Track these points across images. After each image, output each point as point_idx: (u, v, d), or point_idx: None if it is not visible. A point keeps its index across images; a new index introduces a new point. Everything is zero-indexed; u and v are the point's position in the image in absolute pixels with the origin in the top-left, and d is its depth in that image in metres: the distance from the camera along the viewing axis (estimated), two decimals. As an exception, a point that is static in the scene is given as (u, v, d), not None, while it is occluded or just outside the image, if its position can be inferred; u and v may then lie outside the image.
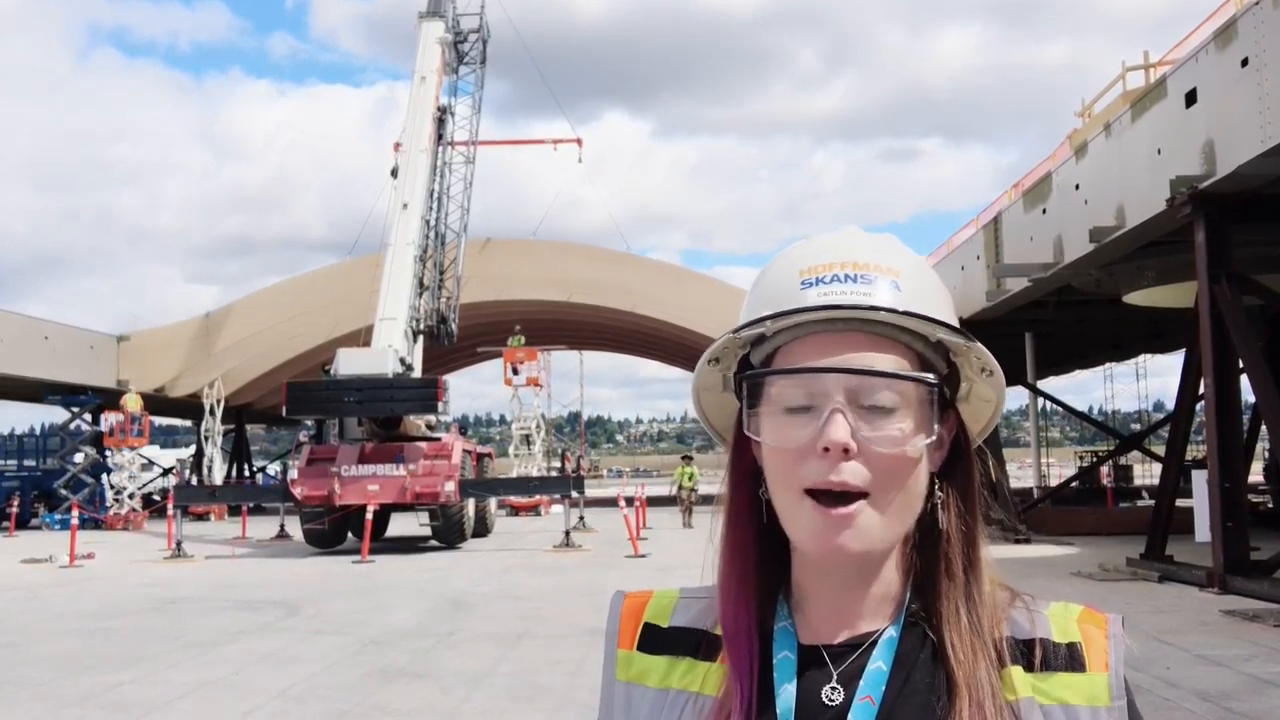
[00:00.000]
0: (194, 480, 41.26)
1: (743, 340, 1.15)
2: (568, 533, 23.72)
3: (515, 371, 43.06)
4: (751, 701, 1.11)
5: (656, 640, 1.20)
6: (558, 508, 30.38)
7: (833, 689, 1.11)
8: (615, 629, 1.23)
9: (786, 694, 1.11)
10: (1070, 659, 1.10)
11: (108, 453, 37.56)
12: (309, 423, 31.31)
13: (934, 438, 1.10)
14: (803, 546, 1.11)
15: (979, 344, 1.13)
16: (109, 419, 37.38)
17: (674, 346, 47.67)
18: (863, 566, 1.13)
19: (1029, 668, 1.10)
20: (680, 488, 32.15)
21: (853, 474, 1.06)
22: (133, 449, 36.90)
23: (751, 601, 1.16)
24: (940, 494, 1.15)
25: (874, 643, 1.12)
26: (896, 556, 1.15)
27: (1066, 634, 1.11)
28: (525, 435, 44.20)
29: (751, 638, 1.14)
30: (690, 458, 35.14)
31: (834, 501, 1.06)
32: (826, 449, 1.05)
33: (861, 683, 1.10)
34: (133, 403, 37.01)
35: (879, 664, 1.11)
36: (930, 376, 1.10)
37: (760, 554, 1.18)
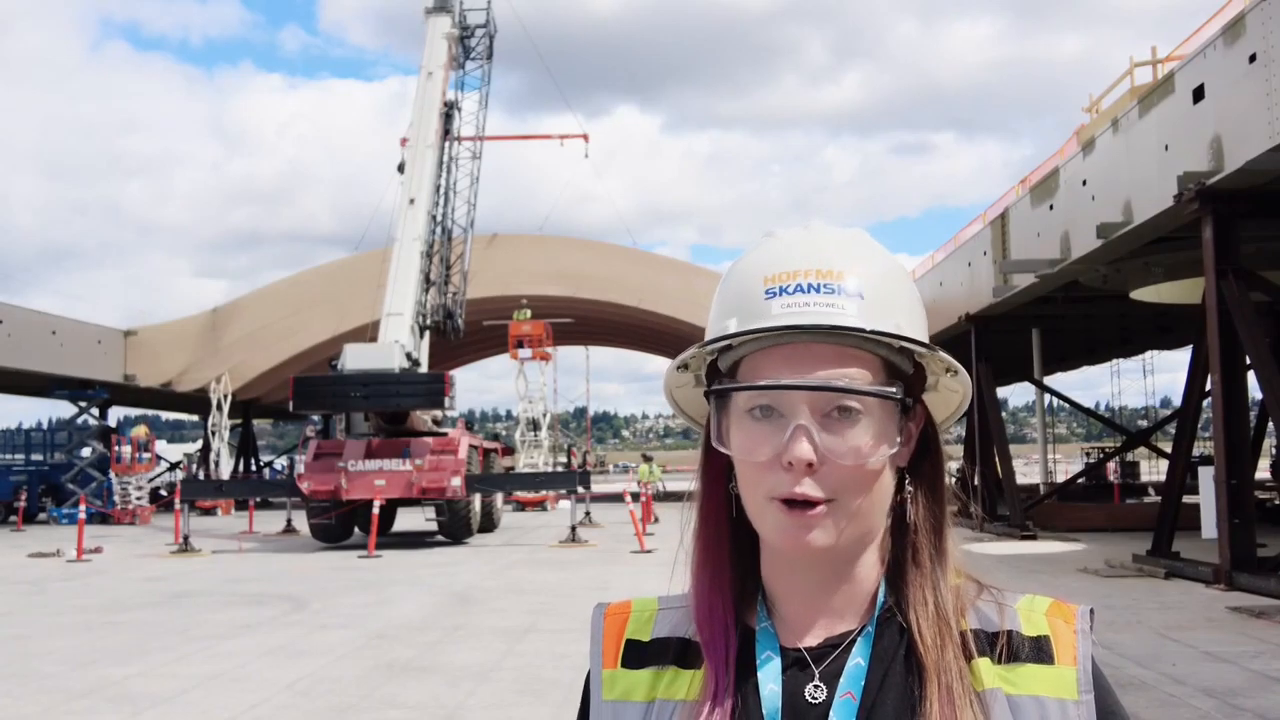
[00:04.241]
0: (201, 475, 41.36)
1: (710, 350, 1.17)
2: (574, 528, 23.74)
3: (520, 345, 42.82)
4: (728, 693, 1.12)
5: (639, 654, 1.21)
6: (564, 503, 30.41)
7: (816, 687, 1.13)
8: (599, 650, 1.23)
9: (772, 694, 1.13)
10: (1038, 651, 1.11)
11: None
12: (315, 417, 31.41)
13: (896, 449, 1.11)
14: (772, 544, 1.14)
15: (941, 351, 1.14)
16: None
17: (681, 342, 47.61)
18: (833, 564, 1.15)
19: (996, 659, 1.11)
20: (643, 483, 32.69)
21: (814, 488, 1.08)
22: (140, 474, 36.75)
23: (728, 596, 1.18)
24: (909, 488, 1.16)
25: (853, 641, 1.14)
26: (870, 553, 1.16)
27: (1034, 627, 1.12)
28: (532, 421, 43.89)
29: (728, 632, 1.16)
30: (650, 457, 36.90)
31: (800, 506, 1.09)
32: (790, 464, 1.08)
33: (842, 680, 1.12)
34: (139, 431, 37.08)
35: (858, 660, 1.13)
36: (893, 390, 1.11)
37: (733, 550, 1.20)
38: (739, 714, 1.12)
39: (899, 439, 1.11)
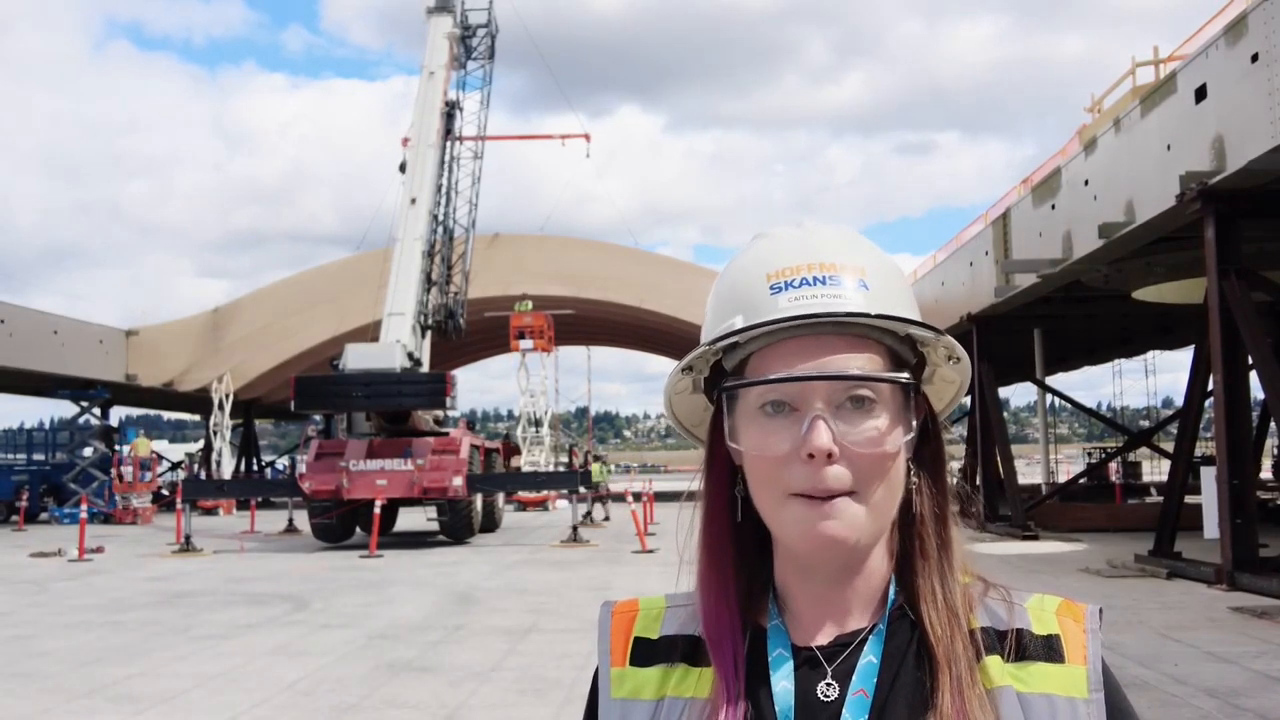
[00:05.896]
0: (202, 474, 41.36)
1: (716, 350, 1.17)
2: (575, 528, 23.75)
3: (521, 336, 42.78)
4: (739, 696, 1.12)
5: (648, 652, 1.21)
6: (565, 503, 30.41)
7: (828, 685, 1.13)
8: (606, 648, 1.23)
9: (784, 691, 1.13)
10: (1049, 650, 1.11)
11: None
12: (317, 417, 31.33)
13: (912, 434, 1.12)
14: (792, 544, 1.13)
15: (947, 336, 1.15)
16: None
17: (682, 342, 47.60)
18: (848, 561, 1.14)
19: (1007, 657, 1.11)
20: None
21: (835, 478, 1.08)
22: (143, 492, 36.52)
23: (734, 598, 1.17)
24: (914, 478, 1.16)
25: (864, 639, 1.14)
26: (881, 548, 1.16)
27: (1044, 626, 1.13)
28: (534, 419, 43.78)
29: (735, 634, 1.16)
30: (600, 457, 37.67)
31: (820, 499, 1.09)
32: (811, 455, 1.07)
33: (854, 678, 1.12)
34: (143, 447, 37.01)
35: (870, 658, 1.13)
36: (905, 376, 1.12)
37: (739, 551, 1.19)
38: (751, 713, 1.12)
39: (914, 423, 1.12)
